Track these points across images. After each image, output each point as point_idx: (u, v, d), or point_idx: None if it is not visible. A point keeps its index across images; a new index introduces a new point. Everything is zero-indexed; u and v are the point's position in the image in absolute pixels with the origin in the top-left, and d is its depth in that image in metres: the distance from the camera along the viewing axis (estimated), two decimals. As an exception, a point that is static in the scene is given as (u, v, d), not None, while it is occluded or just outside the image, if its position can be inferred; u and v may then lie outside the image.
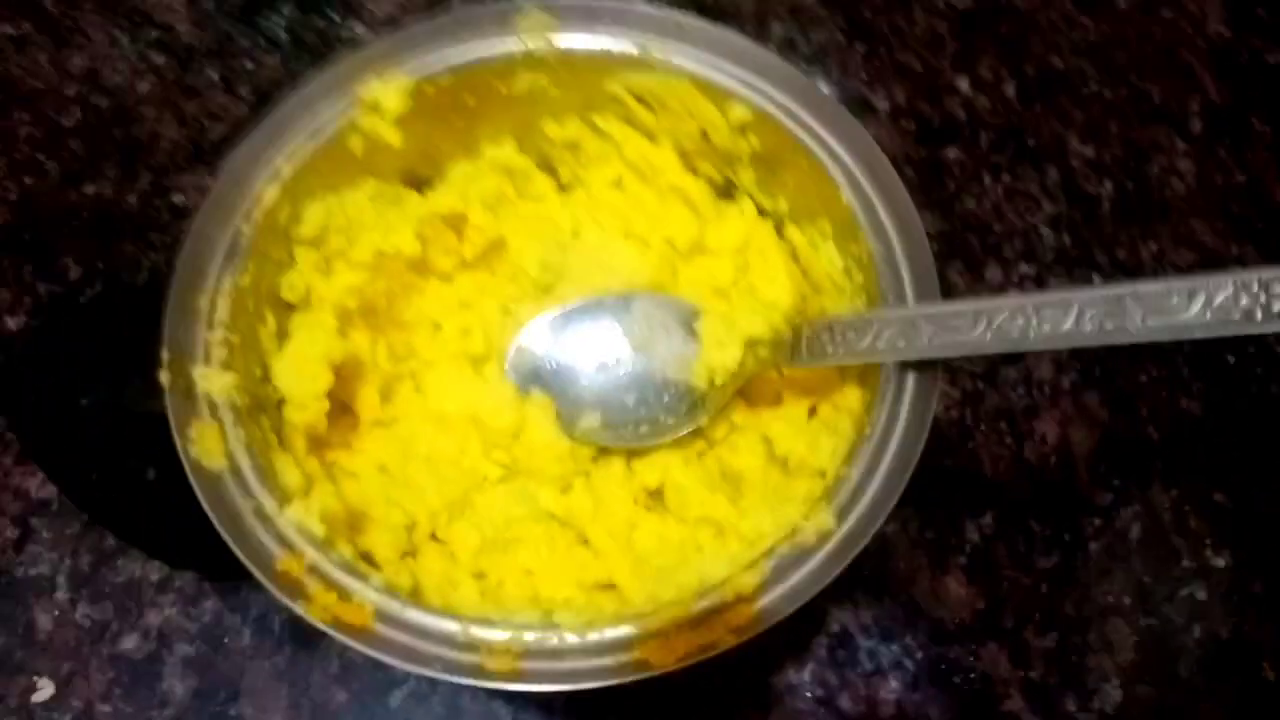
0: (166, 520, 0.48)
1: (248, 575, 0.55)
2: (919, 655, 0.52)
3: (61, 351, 0.41)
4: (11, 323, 0.62)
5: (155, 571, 0.55)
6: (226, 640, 0.53)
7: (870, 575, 0.54)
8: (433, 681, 0.51)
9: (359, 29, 0.71)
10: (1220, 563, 0.54)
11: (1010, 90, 0.67)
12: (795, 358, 0.41)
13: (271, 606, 0.53)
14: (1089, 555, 0.54)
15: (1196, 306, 0.31)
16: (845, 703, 0.51)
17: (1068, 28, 0.69)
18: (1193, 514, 0.55)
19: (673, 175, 0.47)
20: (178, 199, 0.65)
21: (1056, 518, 0.55)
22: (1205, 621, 0.53)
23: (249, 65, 0.70)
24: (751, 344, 0.42)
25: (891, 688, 0.51)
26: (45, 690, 0.52)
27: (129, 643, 0.53)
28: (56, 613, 0.54)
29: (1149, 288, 0.32)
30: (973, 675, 0.51)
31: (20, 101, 0.69)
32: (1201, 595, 0.53)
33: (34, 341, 0.42)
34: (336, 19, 0.71)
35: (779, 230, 0.47)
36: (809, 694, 0.51)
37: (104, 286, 0.64)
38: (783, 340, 0.42)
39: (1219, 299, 0.31)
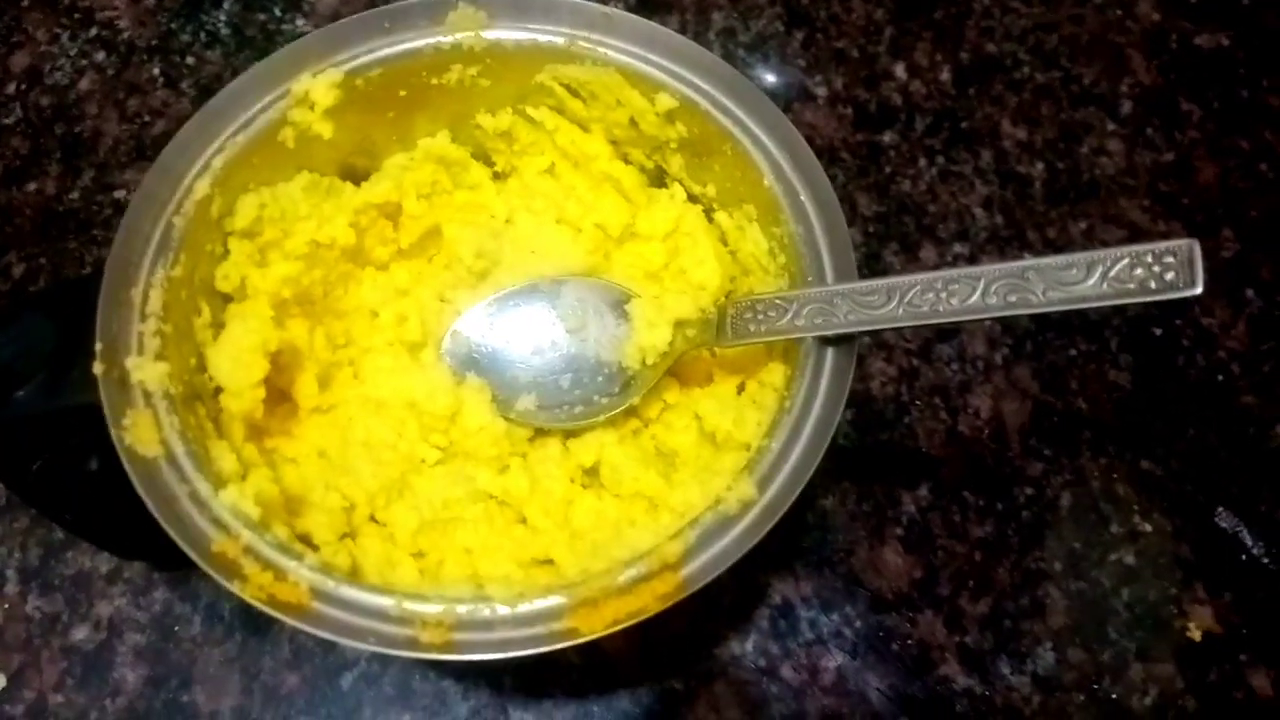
0: (113, 511, 0.48)
1: (196, 564, 0.56)
2: (858, 624, 0.53)
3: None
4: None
5: (105, 563, 0.55)
6: (177, 629, 0.54)
7: (810, 548, 0.55)
8: (383, 663, 0.53)
9: (301, 23, 0.71)
10: (1148, 528, 0.56)
11: (945, 75, 0.68)
12: (721, 337, 0.42)
13: (222, 595, 0.54)
14: (1021, 524, 0.56)
15: (1094, 278, 0.33)
16: (787, 672, 0.52)
17: (1001, 13, 0.70)
18: (1121, 482, 0.57)
19: (604, 163, 0.48)
20: (120, 195, 0.65)
21: (990, 488, 0.56)
22: (1134, 585, 0.55)
23: (191, 61, 0.70)
24: (680, 325, 0.43)
25: (832, 656, 0.53)
26: (-3, 682, 0.53)
27: (80, 634, 0.54)
28: (6, 606, 0.54)
29: (1049, 261, 0.34)
30: (910, 642, 0.53)
31: (-39, 100, 0.69)
32: (1130, 560, 0.55)
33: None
34: (279, 13, 0.71)
35: (708, 215, 0.48)
36: (752, 664, 0.52)
37: (48, 282, 0.64)
38: (709, 320, 0.43)
39: (1115, 270, 0.33)
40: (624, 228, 0.47)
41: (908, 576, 0.55)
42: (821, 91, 0.68)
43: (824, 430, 0.37)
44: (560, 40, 0.44)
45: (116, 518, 0.49)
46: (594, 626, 0.34)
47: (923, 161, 0.65)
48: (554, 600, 0.34)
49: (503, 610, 0.34)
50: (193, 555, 0.34)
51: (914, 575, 0.55)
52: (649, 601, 0.34)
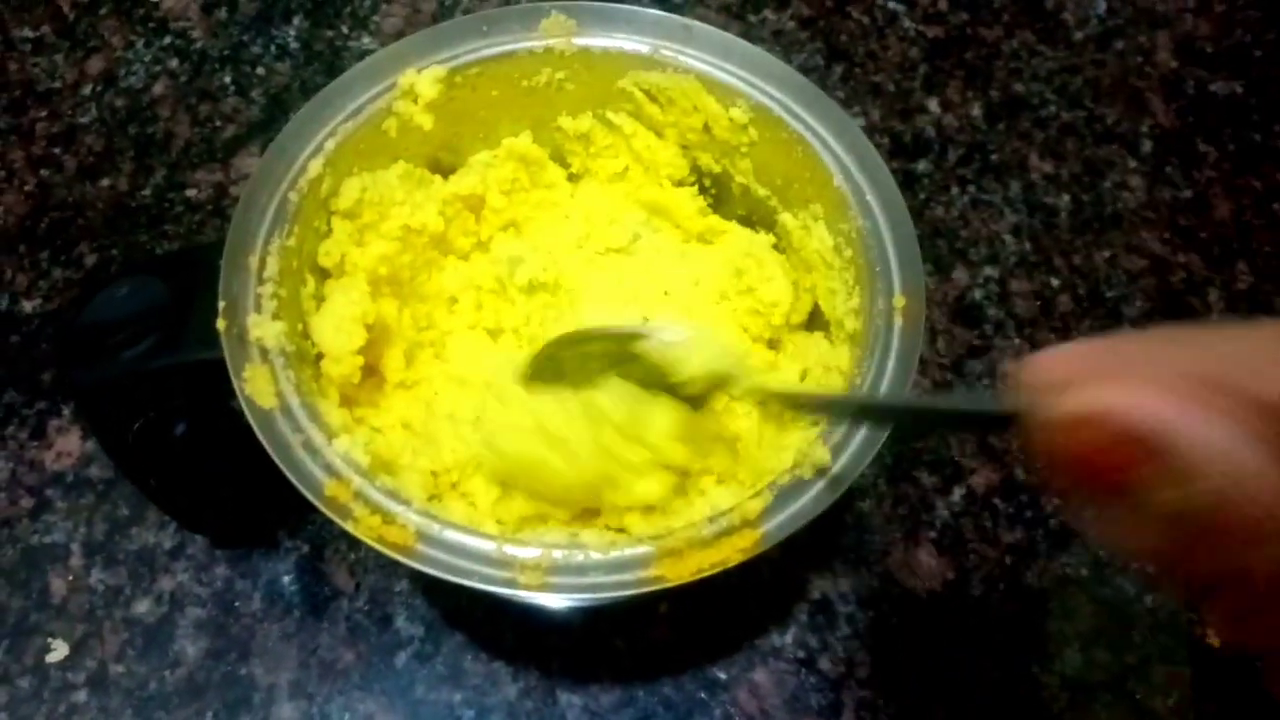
0: (186, 480, 0.51)
1: (256, 544, 0.58)
2: (893, 621, 0.56)
3: (109, 311, 0.44)
4: (28, 305, 0.64)
5: (168, 539, 0.57)
6: (237, 604, 0.55)
7: (848, 548, 0.57)
8: (436, 643, 0.54)
9: (366, 41, 0.75)
10: (1169, 539, 0.58)
11: (976, 111, 0.72)
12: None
13: (281, 574, 0.56)
14: (1049, 531, 0.58)
15: None
16: (825, 664, 0.54)
17: (1029, 56, 0.75)
18: (1143, 495, 0.59)
19: (674, 172, 0.51)
20: (191, 193, 0.68)
21: (1019, 497, 0.59)
22: (1155, 592, 0.57)
23: (261, 71, 0.73)
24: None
25: (868, 651, 0.55)
26: (59, 651, 0.54)
27: (142, 606, 0.55)
28: (71, 578, 0.56)
29: None
30: (944, 640, 0.55)
31: (38, 99, 0.72)
32: (1151, 569, 0.57)
33: (80, 307, 0.44)
34: (345, 30, 0.75)
35: (773, 215, 0.51)
36: (792, 656, 0.55)
37: (118, 272, 0.67)
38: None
39: None
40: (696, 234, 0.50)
41: (941, 578, 0.57)
42: (860, 122, 0.71)
43: (893, 405, 0.40)
44: (645, 49, 0.47)
45: (190, 487, 0.52)
46: (680, 574, 0.36)
47: (955, 190, 0.69)
48: (643, 549, 0.37)
49: (595, 556, 0.36)
50: (310, 497, 0.37)
51: (947, 577, 0.57)
52: (730, 554, 0.37)
